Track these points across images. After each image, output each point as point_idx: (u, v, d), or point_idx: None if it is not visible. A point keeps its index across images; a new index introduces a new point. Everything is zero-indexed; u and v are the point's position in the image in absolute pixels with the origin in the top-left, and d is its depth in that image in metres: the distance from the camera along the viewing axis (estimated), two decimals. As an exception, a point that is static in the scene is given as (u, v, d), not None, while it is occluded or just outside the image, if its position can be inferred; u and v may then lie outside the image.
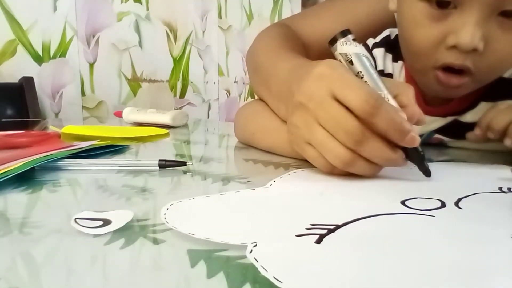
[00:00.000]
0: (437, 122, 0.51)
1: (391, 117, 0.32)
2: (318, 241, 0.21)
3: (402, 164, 0.35)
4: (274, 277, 0.17)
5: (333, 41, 0.36)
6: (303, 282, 0.17)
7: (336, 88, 0.32)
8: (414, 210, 0.26)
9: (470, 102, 0.49)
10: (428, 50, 0.42)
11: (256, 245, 0.20)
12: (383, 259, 0.19)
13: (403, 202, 0.28)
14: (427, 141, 0.55)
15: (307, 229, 0.22)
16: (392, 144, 0.33)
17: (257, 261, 0.18)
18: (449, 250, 0.20)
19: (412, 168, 0.37)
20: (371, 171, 0.34)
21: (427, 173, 0.35)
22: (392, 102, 0.34)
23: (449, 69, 0.41)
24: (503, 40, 0.39)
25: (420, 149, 0.35)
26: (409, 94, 0.36)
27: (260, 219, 0.24)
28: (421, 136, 0.54)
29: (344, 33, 0.35)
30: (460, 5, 0.38)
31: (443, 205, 0.27)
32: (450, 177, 0.37)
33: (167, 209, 0.25)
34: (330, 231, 0.22)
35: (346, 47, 0.35)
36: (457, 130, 0.51)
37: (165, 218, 0.24)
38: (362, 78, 0.34)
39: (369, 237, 0.22)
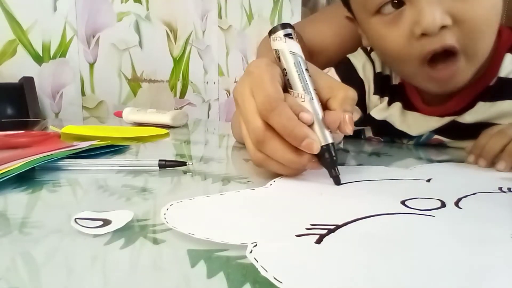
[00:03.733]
0: (435, 122, 0.51)
1: (283, 122, 0.31)
2: (318, 241, 0.21)
3: (311, 167, 0.33)
4: (274, 277, 0.17)
5: (270, 33, 0.35)
6: (303, 282, 0.17)
7: (252, 87, 0.33)
8: (414, 210, 0.26)
9: (468, 102, 0.49)
10: (404, 51, 0.43)
11: (256, 245, 0.20)
12: (383, 259, 0.19)
13: (403, 202, 0.28)
14: (427, 142, 0.55)
15: (307, 229, 0.22)
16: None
17: (257, 261, 0.18)
18: (449, 250, 0.20)
19: (412, 169, 0.37)
20: (286, 171, 0.33)
21: (336, 180, 0.33)
22: (316, 104, 0.33)
23: (436, 59, 0.42)
24: (468, 8, 0.39)
25: (334, 154, 0.32)
26: (345, 98, 0.34)
27: (260, 219, 0.24)
28: (421, 136, 0.54)
29: (284, 25, 0.35)
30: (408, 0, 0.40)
31: (443, 205, 0.27)
32: (450, 177, 0.37)
33: (167, 209, 0.25)
34: (330, 231, 0.22)
35: (276, 43, 0.35)
36: (456, 131, 0.50)
37: (165, 218, 0.24)
38: (285, 75, 0.34)
39: (369, 237, 0.22)
